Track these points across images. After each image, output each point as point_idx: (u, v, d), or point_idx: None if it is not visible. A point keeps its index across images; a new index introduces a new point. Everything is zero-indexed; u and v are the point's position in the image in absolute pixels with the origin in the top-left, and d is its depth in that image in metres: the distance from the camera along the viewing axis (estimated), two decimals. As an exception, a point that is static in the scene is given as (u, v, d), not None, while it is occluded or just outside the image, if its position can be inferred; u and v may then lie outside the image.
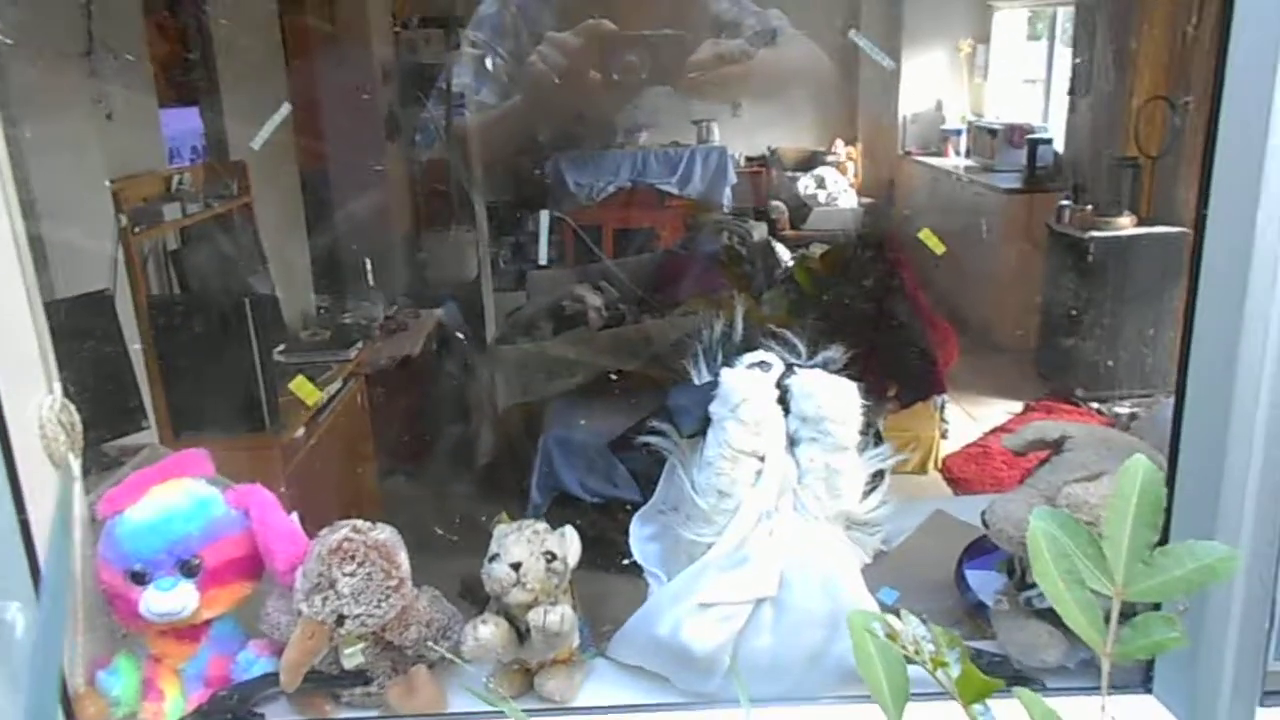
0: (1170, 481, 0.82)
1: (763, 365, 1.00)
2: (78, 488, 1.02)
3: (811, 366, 1.02)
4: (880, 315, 2.77)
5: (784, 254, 3.76)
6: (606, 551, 1.28)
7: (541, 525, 1.02)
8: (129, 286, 2.32)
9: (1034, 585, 1.07)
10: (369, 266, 3.34)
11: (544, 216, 2.98)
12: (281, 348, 2.94)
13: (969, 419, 3.73)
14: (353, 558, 0.98)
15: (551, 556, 1.00)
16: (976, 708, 0.51)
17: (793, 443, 0.98)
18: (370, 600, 0.98)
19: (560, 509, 2.67)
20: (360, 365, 2.99)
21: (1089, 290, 3.70)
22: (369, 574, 0.98)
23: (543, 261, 2.92)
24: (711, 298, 3.07)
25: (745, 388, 0.95)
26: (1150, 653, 0.52)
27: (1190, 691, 0.91)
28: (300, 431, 2.55)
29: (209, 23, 2.85)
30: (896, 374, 2.80)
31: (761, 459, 0.97)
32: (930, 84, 4.96)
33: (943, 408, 3.43)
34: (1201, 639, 0.87)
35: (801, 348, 1.05)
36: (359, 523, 1.02)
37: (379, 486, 2.89)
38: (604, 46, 1.31)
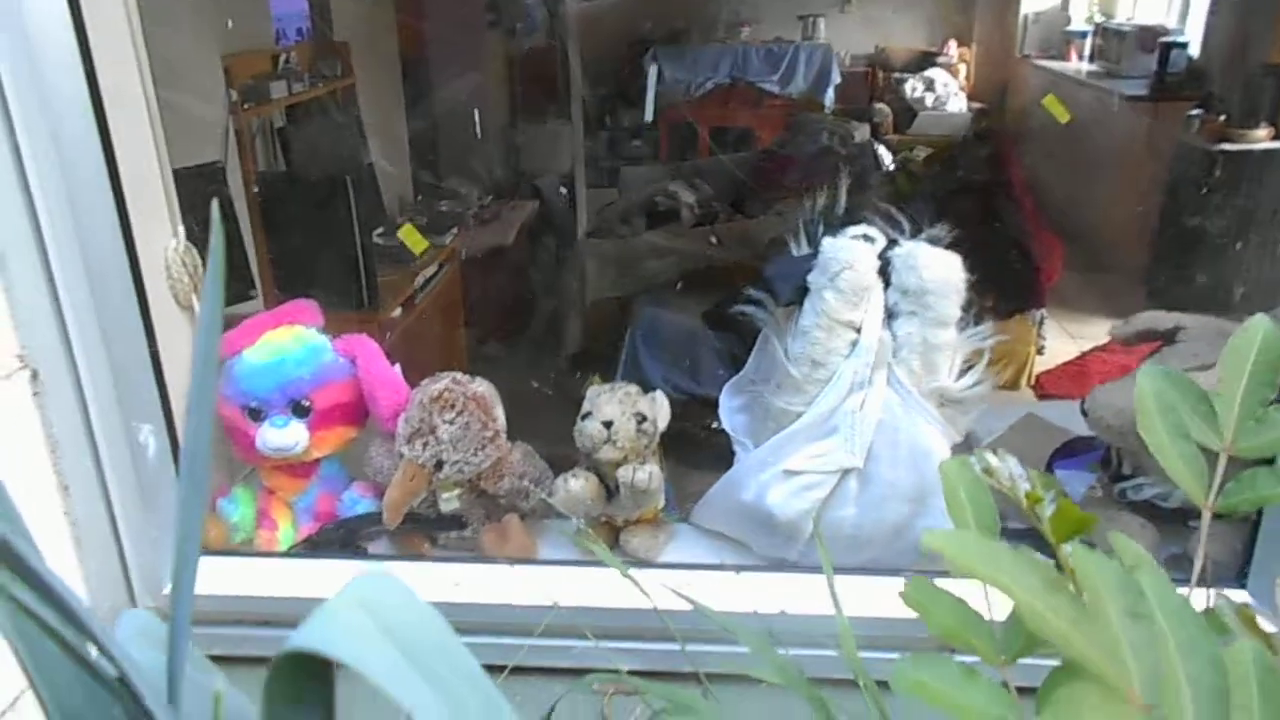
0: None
1: (866, 238, 0.98)
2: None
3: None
4: (983, 219, 2.67)
5: (886, 157, 3.64)
6: (689, 442, 1.30)
7: (633, 388, 1.05)
8: (238, 161, 2.39)
9: (1130, 477, 1.05)
10: (467, 154, 3.37)
11: (652, 71, 2.93)
12: (380, 231, 3.00)
13: (1068, 338, 3.60)
14: (452, 406, 1.03)
15: (642, 418, 1.02)
16: (1067, 548, 0.51)
17: (891, 316, 0.96)
18: (468, 448, 1.03)
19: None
20: (455, 252, 3.05)
21: (1212, 208, 3.47)
22: (467, 423, 1.03)
23: (648, 119, 2.88)
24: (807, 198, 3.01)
25: (846, 256, 0.94)
26: (1254, 505, 0.51)
27: (1286, 587, 0.88)
28: (398, 311, 2.62)
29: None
30: (995, 282, 2.71)
31: (858, 330, 0.96)
32: (1056, -20, 4.62)
33: (1041, 322, 3.31)
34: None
35: (906, 225, 1.02)
36: (459, 374, 1.07)
37: (471, 369, 2.97)
38: None
